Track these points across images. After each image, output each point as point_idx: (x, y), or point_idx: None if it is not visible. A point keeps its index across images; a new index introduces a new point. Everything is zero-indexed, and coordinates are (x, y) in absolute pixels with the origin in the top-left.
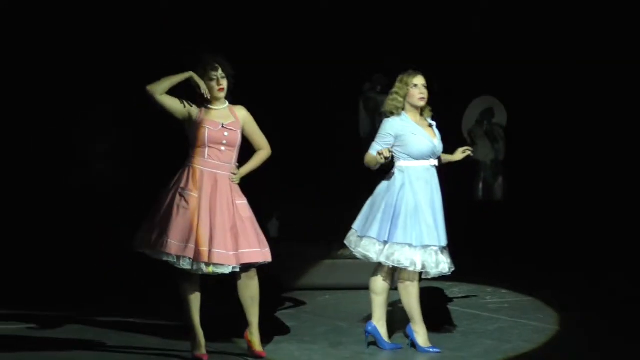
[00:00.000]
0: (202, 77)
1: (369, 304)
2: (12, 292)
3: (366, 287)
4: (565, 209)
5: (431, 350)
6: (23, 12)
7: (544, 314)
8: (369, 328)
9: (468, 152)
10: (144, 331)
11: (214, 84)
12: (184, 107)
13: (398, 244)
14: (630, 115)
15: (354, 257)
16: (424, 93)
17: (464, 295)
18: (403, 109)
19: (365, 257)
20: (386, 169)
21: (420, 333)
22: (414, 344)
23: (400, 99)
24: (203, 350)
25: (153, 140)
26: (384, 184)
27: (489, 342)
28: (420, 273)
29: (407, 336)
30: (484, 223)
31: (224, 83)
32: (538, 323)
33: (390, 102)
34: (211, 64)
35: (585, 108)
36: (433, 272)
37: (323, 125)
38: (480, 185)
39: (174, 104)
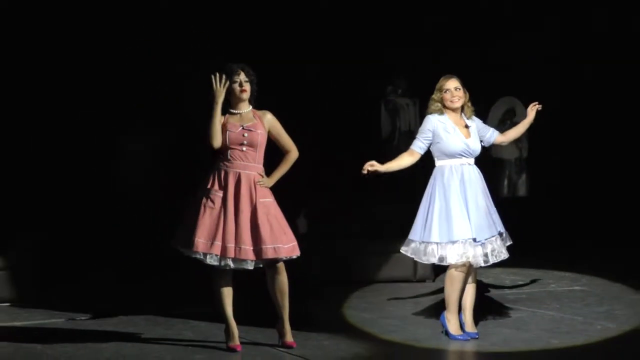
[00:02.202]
0: (227, 83)
1: (393, 296)
2: (56, 288)
3: (393, 280)
4: (586, 203)
5: (460, 338)
6: (74, 25)
7: (561, 304)
8: (440, 318)
9: (537, 106)
10: (180, 324)
11: (236, 86)
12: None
13: (428, 242)
14: None
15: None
16: (456, 96)
17: (482, 286)
18: (443, 112)
19: (412, 256)
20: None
21: (452, 321)
22: (446, 332)
23: (438, 104)
24: (237, 341)
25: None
26: (427, 188)
27: (507, 331)
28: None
29: (441, 325)
30: (508, 218)
31: (247, 86)
32: (556, 313)
33: (431, 106)
34: (234, 70)
35: (604, 102)
36: (473, 262)
37: (346, 125)
38: (505, 182)
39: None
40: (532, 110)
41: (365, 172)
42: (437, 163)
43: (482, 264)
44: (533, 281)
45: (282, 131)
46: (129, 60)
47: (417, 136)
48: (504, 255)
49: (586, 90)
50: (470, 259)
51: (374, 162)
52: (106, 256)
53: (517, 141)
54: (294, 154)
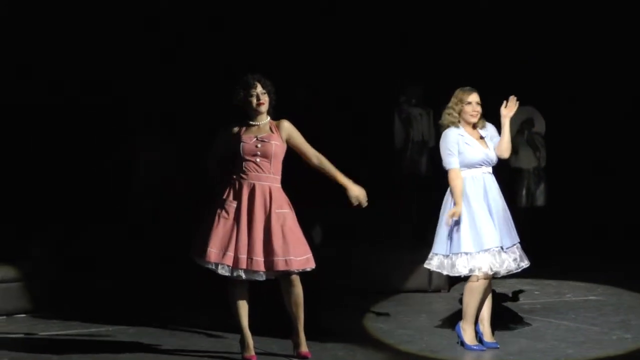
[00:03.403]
0: (244, 96)
1: (409, 306)
2: (73, 298)
3: (408, 290)
4: (603, 213)
5: (475, 348)
6: (89, 34)
7: (577, 314)
8: (456, 328)
9: (509, 107)
10: (196, 335)
11: (253, 99)
12: (226, 139)
13: (456, 254)
14: None
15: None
16: (477, 110)
17: (497, 296)
18: (459, 122)
19: (438, 270)
20: None
21: (467, 331)
22: (462, 342)
23: (456, 115)
24: (252, 352)
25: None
26: (445, 200)
27: (523, 341)
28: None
29: (457, 335)
30: (526, 228)
31: (264, 98)
32: (572, 323)
33: (447, 116)
34: (250, 83)
35: (624, 112)
36: (502, 271)
37: (359, 134)
38: (524, 192)
39: (225, 148)
40: (503, 111)
41: (449, 222)
42: None
43: (506, 273)
44: (546, 291)
45: (301, 139)
46: (147, 66)
47: (449, 153)
48: (526, 263)
49: (606, 98)
50: (502, 268)
51: (453, 211)
52: (122, 266)
53: (535, 151)
54: (321, 157)
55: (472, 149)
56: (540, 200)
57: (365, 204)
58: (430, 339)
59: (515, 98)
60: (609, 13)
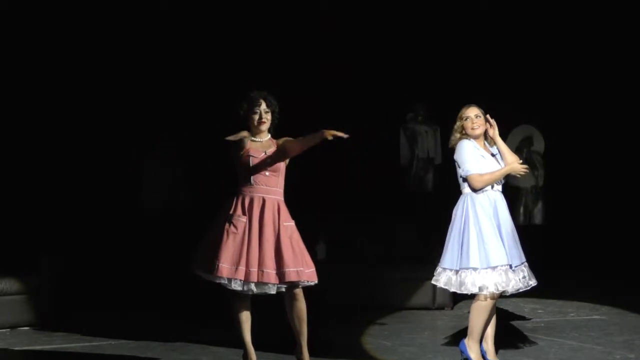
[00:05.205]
0: (247, 112)
1: (412, 323)
2: (76, 312)
3: (412, 308)
4: (603, 231)
5: None
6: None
7: (580, 334)
8: (460, 345)
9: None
10: (198, 349)
11: (256, 117)
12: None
13: (465, 269)
14: None
15: None
16: (476, 122)
17: (501, 315)
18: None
19: (445, 287)
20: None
21: (473, 349)
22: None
23: (458, 134)
24: None
25: (208, 170)
26: (454, 214)
27: None
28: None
29: (461, 352)
30: (524, 247)
31: (266, 117)
32: (575, 342)
33: (454, 138)
34: (255, 99)
35: (615, 129)
36: (510, 290)
37: (365, 151)
38: (521, 210)
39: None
40: (490, 132)
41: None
42: (468, 190)
43: (514, 291)
44: (549, 310)
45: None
46: (155, 83)
47: (471, 160)
48: (533, 282)
49: (604, 117)
50: (509, 287)
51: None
52: (125, 281)
53: (533, 169)
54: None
55: (486, 162)
56: (537, 218)
57: (339, 134)
58: (433, 357)
59: (489, 116)
60: (614, 27)
